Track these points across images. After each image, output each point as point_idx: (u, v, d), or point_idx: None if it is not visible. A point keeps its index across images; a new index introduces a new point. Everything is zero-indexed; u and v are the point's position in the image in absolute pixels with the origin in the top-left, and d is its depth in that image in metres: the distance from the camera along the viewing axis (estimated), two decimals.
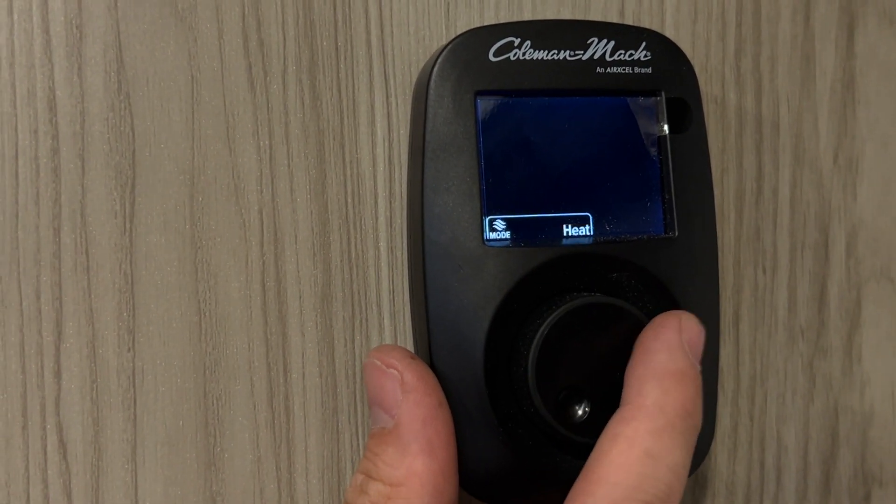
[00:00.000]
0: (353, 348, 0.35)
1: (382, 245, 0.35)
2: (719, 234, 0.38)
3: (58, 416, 0.32)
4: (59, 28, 0.32)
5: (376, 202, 0.35)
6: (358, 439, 0.35)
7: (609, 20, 0.38)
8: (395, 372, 0.31)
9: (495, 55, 0.33)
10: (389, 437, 0.30)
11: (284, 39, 0.34)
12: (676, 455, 0.28)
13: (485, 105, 0.33)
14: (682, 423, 0.29)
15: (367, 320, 0.35)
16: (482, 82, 0.32)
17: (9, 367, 0.32)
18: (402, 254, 0.35)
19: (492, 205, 0.32)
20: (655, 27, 0.38)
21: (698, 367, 0.30)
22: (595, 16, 0.38)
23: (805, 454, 0.40)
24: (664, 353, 0.30)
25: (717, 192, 0.38)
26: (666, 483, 0.28)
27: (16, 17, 0.32)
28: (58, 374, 0.32)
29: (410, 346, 0.35)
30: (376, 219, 0.35)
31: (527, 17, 0.37)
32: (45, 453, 0.32)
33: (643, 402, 0.29)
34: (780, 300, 0.40)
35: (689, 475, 0.34)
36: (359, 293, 0.35)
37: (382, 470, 0.30)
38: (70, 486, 0.32)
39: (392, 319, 0.35)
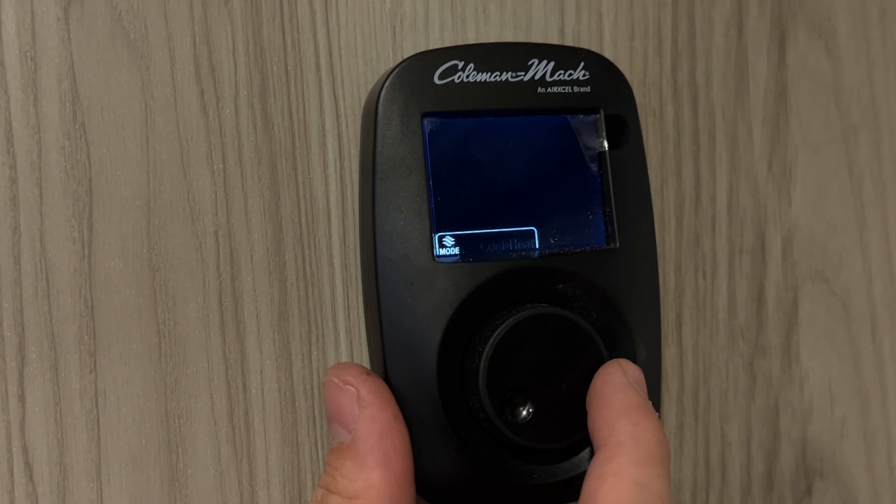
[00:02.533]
0: (311, 363, 0.36)
1: (336, 262, 0.36)
2: (660, 241, 0.40)
3: (23, 438, 0.33)
4: (13, 60, 0.33)
5: (329, 221, 0.36)
6: (317, 451, 0.36)
7: (550, 39, 0.39)
8: (352, 388, 0.32)
9: (440, 78, 0.34)
10: (347, 452, 0.31)
11: (235, 65, 0.35)
12: (661, 483, 0.30)
13: (431, 126, 0.34)
14: (659, 451, 0.30)
15: (323, 336, 0.36)
16: (428, 104, 0.34)
17: None
18: (356, 270, 0.36)
19: (441, 222, 0.34)
20: (594, 44, 0.40)
21: (650, 403, 0.32)
22: (536, 35, 0.39)
23: (748, 450, 0.42)
24: (620, 393, 0.32)
25: (657, 200, 0.40)
26: None
27: None
28: (22, 398, 0.33)
29: (366, 361, 0.36)
30: (330, 237, 0.36)
31: (471, 38, 0.38)
32: (12, 475, 0.33)
33: (619, 439, 0.30)
34: (720, 303, 0.42)
35: None
36: (315, 310, 0.36)
37: (341, 483, 0.31)
38: None
39: (348, 334, 0.36)
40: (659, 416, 0.35)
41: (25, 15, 0.33)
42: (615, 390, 0.32)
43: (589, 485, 0.30)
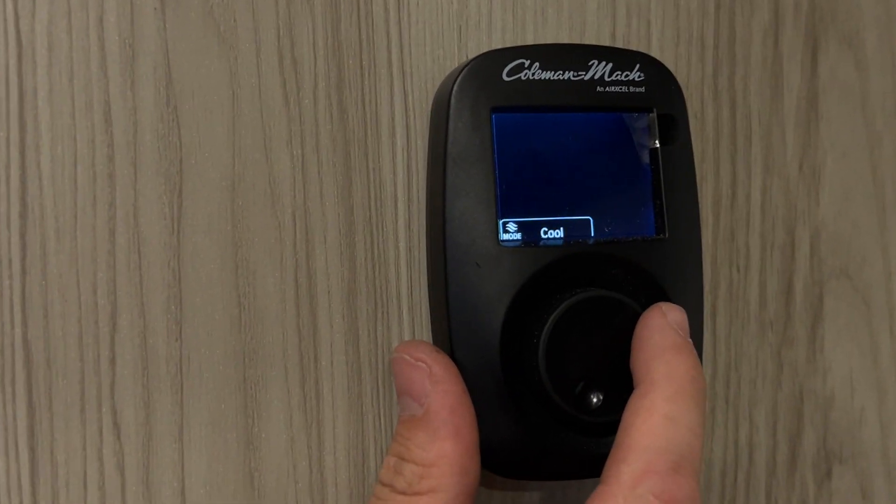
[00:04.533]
0: (376, 338, 0.38)
1: (402, 245, 0.39)
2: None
3: (112, 400, 0.35)
4: (113, 47, 0.35)
5: (396, 206, 0.39)
6: (380, 421, 0.38)
7: (602, 42, 0.42)
8: (424, 365, 0.34)
9: (508, 75, 0.36)
10: (420, 423, 0.33)
11: (315, 58, 0.38)
12: (692, 416, 0.32)
13: (499, 120, 0.36)
14: (692, 387, 0.32)
15: (388, 313, 0.39)
16: (497, 99, 0.36)
17: (68, 356, 0.35)
18: (420, 253, 0.39)
19: (505, 209, 0.36)
20: (642, 48, 0.43)
21: (690, 341, 0.34)
22: (590, 38, 0.42)
23: (774, 433, 0.45)
24: (657, 334, 0.34)
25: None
26: (688, 442, 0.31)
27: (74, 35, 0.35)
28: (112, 362, 0.35)
29: (427, 338, 0.39)
30: (396, 221, 0.39)
31: (529, 39, 0.41)
32: (101, 434, 0.35)
33: (653, 377, 0.33)
34: (751, 295, 0.44)
35: None
36: (381, 288, 0.39)
37: (415, 452, 0.33)
38: (123, 463, 0.35)
39: (410, 312, 0.39)
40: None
41: (125, 4, 0.36)
42: (652, 332, 0.34)
43: (625, 419, 0.32)
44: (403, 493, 0.32)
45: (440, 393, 0.34)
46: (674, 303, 0.37)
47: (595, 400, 0.35)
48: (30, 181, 0.35)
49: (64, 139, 0.35)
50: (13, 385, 0.34)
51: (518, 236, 0.36)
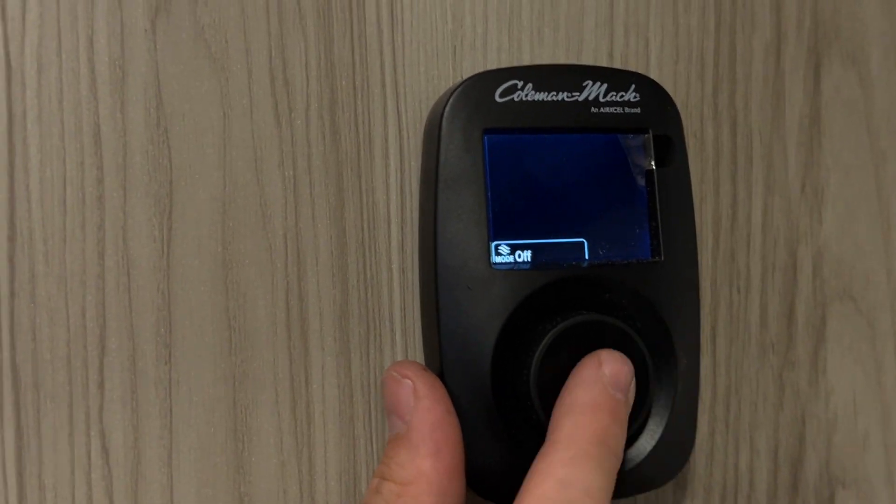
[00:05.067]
0: (368, 361, 0.38)
1: (395, 267, 0.38)
2: (698, 257, 0.42)
3: (101, 423, 0.35)
4: (103, 68, 0.35)
5: (389, 228, 0.38)
6: (372, 445, 0.38)
7: (599, 61, 0.41)
8: (409, 382, 0.34)
9: (501, 96, 0.36)
10: (402, 441, 0.33)
11: (307, 79, 0.38)
12: (592, 479, 0.30)
13: (492, 141, 0.36)
14: (596, 450, 0.31)
15: (380, 336, 0.38)
16: (489, 121, 0.36)
17: (56, 379, 0.35)
18: (413, 275, 0.39)
19: (498, 231, 0.36)
20: (641, 67, 0.42)
21: (619, 397, 0.33)
22: (587, 57, 0.41)
23: (775, 458, 0.44)
24: (580, 388, 0.33)
25: (696, 218, 0.42)
26: None
27: (64, 56, 0.35)
28: (101, 385, 0.35)
29: (420, 360, 0.38)
30: (389, 243, 0.38)
31: (525, 59, 0.40)
32: (89, 458, 0.35)
33: (554, 438, 0.32)
34: (752, 317, 0.44)
35: (668, 481, 0.37)
36: (373, 311, 0.38)
37: (394, 470, 0.33)
38: (112, 488, 0.35)
39: (403, 335, 0.39)
40: (692, 421, 0.37)
41: (115, 26, 0.35)
42: (577, 383, 0.33)
43: (525, 481, 0.31)
44: None
45: (422, 410, 0.33)
46: (670, 326, 0.37)
47: None
48: (18, 203, 0.34)
49: (53, 161, 0.35)
50: (1, 408, 0.34)
51: (510, 259, 0.36)
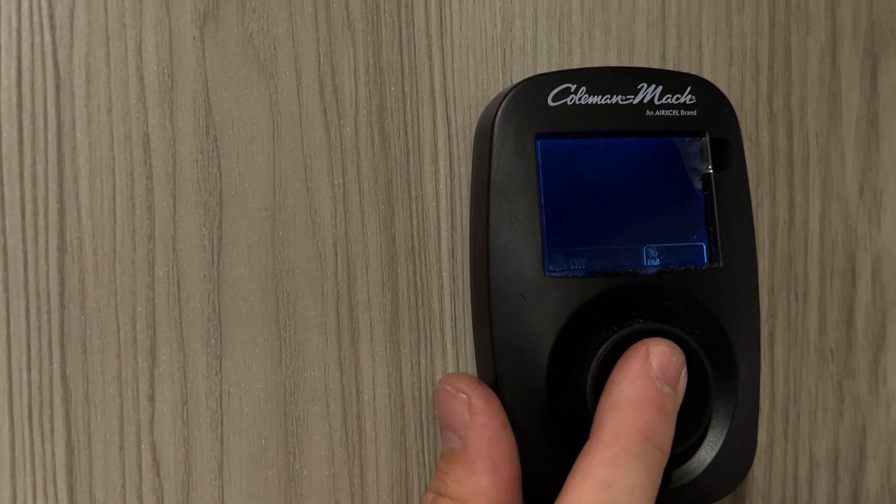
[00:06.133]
0: (419, 371, 0.37)
1: (445, 275, 0.38)
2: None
3: (152, 436, 0.35)
4: (151, 77, 0.35)
5: (439, 235, 0.38)
6: (424, 456, 0.37)
7: (651, 64, 0.41)
8: (464, 396, 0.33)
9: (554, 100, 0.35)
10: (457, 457, 0.32)
11: (356, 85, 0.37)
12: (633, 478, 0.29)
13: (545, 146, 0.35)
14: (639, 448, 0.30)
15: (431, 345, 0.38)
16: (542, 125, 0.35)
17: (107, 392, 0.34)
18: (464, 283, 0.38)
19: (552, 238, 0.35)
20: (693, 70, 0.41)
21: (667, 390, 0.32)
22: (639, 60, 0.40)
23: (835, 468, 0.43)
24: (625, 382, 0.32)
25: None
26: None
27: (112, 66, 0.35)
28: (152, 398, 0.35)
29: (472, 370, 0.38)
30: (439, 251, 0.38)
31: (576, 63, 0.40)
32: (140, 471, 0.35)
33: (600, 434, 0.31)
34: (811, 324, 0.43)
35: (729, 492, 0.36)
36: (424, 320, 0.38)
37: (451, 487, 0.32)
38: (163, 501, 0.35)
39: (454, 344, 0.38)
40: (753, 429, 0.36)
41: (164, 34, 0.35)
42: (622, 378, 0.32)
43: (567, 480, 0.30)
44: None
45: (478, 425, 0.32)
46: (730, 333, 0.36)
47: None
48: (68, 214, 0.34)
49: (102, 171, 0.35)
50: (52, 421, 0.34)
51: (565, 266, 0.35)
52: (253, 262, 0.36)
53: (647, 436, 0.31)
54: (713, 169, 0.37)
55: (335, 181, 0.37)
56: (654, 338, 0.33)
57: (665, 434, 0.31)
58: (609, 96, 0.36)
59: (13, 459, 0.34)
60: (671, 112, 0.36)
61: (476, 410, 0.33)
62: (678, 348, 0.33)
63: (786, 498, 0.42)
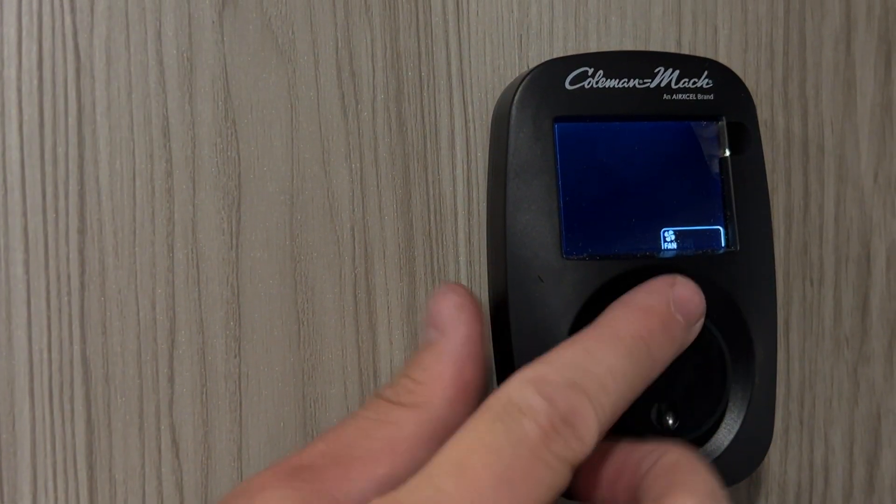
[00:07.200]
0: None
1: (462, 259, 0.38)
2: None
3: (171, 417, 0.35)
4: (171, 61, 0.35)
5: (456, 219, 0.38)
6: None
7: (667, 49, 0.41)
8: (457, 297, 0.32)
9: (571, 84, 0.35)
10: (431, 346, 0.31)
11: (374, 70, 0.37)
12: (620, 362, 0.28)
13: (562, 130, 0.35)
14: (632, 343, 0.29)
15: None
16: (560, 109, 0.35)
17: (126, 373, 0.35)
18: (481, 267, 0.38)
19: (569, 221, 0.35)
20: (709, 55, 0.41)
21: (679, 318, 0.31)
22: (655, 46, 0.40)
23: (851, 455, 0.43)
24: (642, 291, 0.32)
25: None
26: (600, 379, 0.28)
27: (132, 50, 0.35)
28: (171, 379, 0.35)
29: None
30: (456, 235, 0.38)
31: (592, 48, 0.40)
32: (160, 452, 0.35)
33: (598, 320, 0.30)
34: (826, 310, 0.43)
35: (746, 476, 0.36)
36: None
37: (414, 369, 0.31)
38: (182, 481, 0.35)
39: None
40: (770, 416, 0.36)
41: (183, 18, 0.35)
42: (640, 288, 0.32)
43: None
44: (388, 401, 0.30)
45: (460, 322, 0.31)
46: (747, 317, 0.36)
47: (671, 421, 0.33)
48: (88, 196, 0.34)
49: (122, 154, 0.35)
50: (72, 402, 0.34)
51: (582, 249, 0.35)
52: (271, 245, 0.36)
53: (645, 338, 0.30)
54: (730, 153, 0.37)
55: (353, 165, 0.37)
56: (681, 276, 0.33)
57: (662, 349, 0.31)
58: (626, 80, 0.36)
59: (34, 440, 0.34)
60: (688, 96, 0.36)
61: (463, 310, 0.32)
62: (702, 296, 0.33)
63: (801, 484, 0.42)
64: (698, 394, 0.34)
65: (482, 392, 0.32)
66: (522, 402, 0.27)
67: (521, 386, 0.27)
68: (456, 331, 0.31)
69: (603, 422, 0.27)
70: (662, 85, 0.36)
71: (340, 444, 0.28)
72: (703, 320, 0.33)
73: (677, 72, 0.36)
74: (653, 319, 0.31)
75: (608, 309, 0.31)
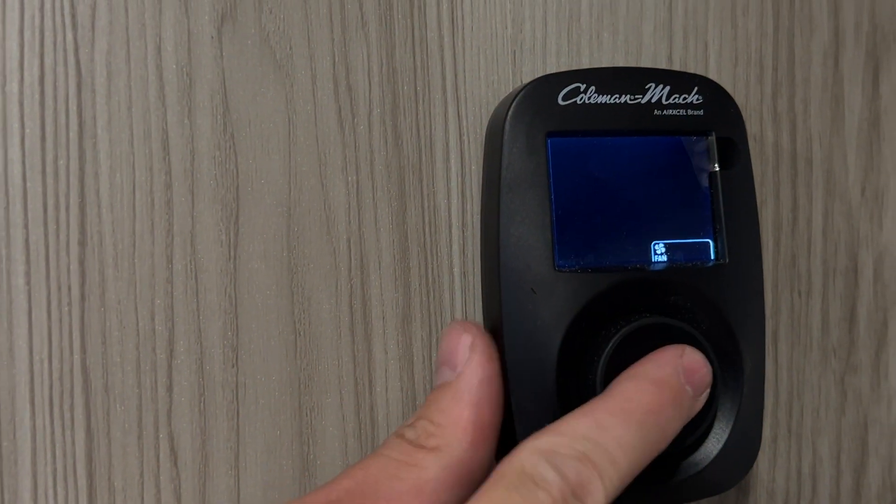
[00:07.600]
0: (431, 365, 0.38)
1: (456, 270, 0.39)
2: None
3: (169, 426, 0.35)
4: (171, 75, 0.36)
5: (450, 231, 0.39)
6: None
7: (658, 65, 0.41)
8: (469, 336, 0.33)
9: (564, 99, 0.36)
10: (448, 388, 0.32)
11: (370, 84, 0.38)
12: (629, 435, 0.29)
13: (555, 144, 0.36)
14: (643, 417, 0.30)
15: None
16: (552, 124, 0.36)
17: (126, 382, 0.35)
18: (475, 278, 0.39)
19: (562, 234, 0.36)
20: (700, 71, 0.42)
21: (688, 389, 0.32)
22: (646, 62, 0.41)
23: (838, 463, 0.44)
24: (652, 363, 0.33)
25: None
26: (609, 452, 0.29)
27: (132, 65, 0.36)
28: (170, 389, 0.35)
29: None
30: (451, 247, 0.39)
31: (584, 63, 0.40)
32: (158, 460, 0.35)
33: (610, 391, 0.31)
34: (814, 321, 0.43)
35: (735, 484, 0.37)
36: (435, 314, 0.38)
37: (433, 412, 0.32)
38: (180, 490, 0.35)
39: None
40: (759, 424, 0.36)
41: (182, 33, 0.36)
42: (650, 359, 0.32)
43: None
44: (409, 443, 0.31)
45: (475, 363, 0.32)
46: (735, 328, 0.37)
47: None
48: (89, 208, 0.35)
49: (123, 167, 0.35)
50: (72, 411, 0.35)
51: (574, 261, 0.36)
52: (269, 256, 0.37)
53: (656, 412, 0.31)
54: (719, 167, 0.38)
55: (349, 178, 0.37)
56: (690, 346, 0.34)
57: (671, 423, 0.32)
58: (618, 96, 0.37)
59: (34, 448, 0.34)
60: (678, 112, 0.37)
61: (476, 351, 0.33)
62: (711, 367, 0.34)
63: (789, 492, 0.43)
64: None
65: (498, 432, 0.32)
66: (536, 474, 0.28)
67: (534, 457, 0.28)
68: (474, 373, 0.32)
69: (611, 494, 0.29)
70: (653, 101, 0.37)
71: (367, 483, 0.29)
72: (709, 390, 0.34)
73: (668, 88, 0.37)
74: (665, 394, 0.32)
75: (618, 380, 0.32)
